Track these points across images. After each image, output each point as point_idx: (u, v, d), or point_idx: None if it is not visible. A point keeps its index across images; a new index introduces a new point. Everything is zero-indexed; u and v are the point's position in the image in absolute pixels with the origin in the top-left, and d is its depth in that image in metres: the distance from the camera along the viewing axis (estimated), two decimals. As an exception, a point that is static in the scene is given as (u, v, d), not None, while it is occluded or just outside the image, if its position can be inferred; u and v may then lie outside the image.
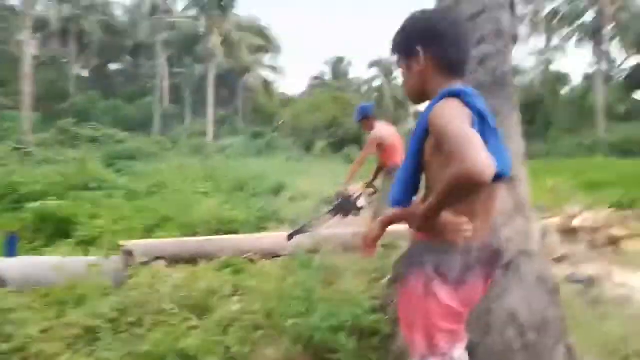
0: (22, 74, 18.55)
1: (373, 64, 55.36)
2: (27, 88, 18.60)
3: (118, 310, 3.04)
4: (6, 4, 36.15)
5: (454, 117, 1.30)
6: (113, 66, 51.28)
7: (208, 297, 3.27)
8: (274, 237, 5.61)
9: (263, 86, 45.69)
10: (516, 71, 50.69)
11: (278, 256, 5.41)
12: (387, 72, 54.49)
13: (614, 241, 6.06)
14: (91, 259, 4.02)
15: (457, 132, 1.24)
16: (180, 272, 4.30)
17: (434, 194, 1.29)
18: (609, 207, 7.35)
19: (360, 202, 5.64)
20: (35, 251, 4.72)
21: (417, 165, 1.46)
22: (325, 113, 34.33)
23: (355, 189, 5.65)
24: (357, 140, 34.33)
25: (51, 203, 5.24)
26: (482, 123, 1.37)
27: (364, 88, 57.55)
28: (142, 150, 18.05)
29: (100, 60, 47.95)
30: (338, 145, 32.60)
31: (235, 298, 3.36)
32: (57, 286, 3.57)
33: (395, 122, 62.24)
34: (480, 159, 1.16)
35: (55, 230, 5.14)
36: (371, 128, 5.62)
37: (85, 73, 49.31)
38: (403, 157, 5.48)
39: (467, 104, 1.36)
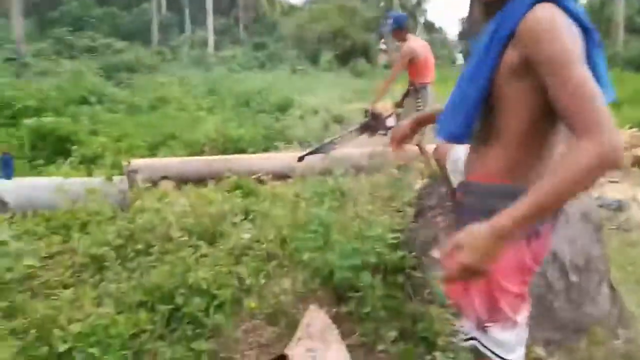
0: (9, -23, 17.31)
1: (382, -30, 51.96)
2: (16, -8, 17.47)
3: (124, 237, 2.88)
4: None
5: (571, 49, 0.95)
6: (106, -30, 48.26)
7: (218, 223, 3.09)
8: (284, 157, 5.39)
9: (265, -7, 43.18)
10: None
11: (289, 177, 5.22)
12: (396, -21, 51.26)
13: (638, 162, 5.82)
14: (93, 180, 3.81)
15: (583, 87, 0.91)
16: (187, 195, 4.14)
17: (547, 183, 0.90)
18: (629, 128, 7.02)
19: (390, 122, 5.34)
20: (34, 170, 4.51)
21: (483, 90, 1.12)
22: (331, 23, 32.66)
23: (385, 107, 5.33)
24: (365, 53, 33.05)
25: (48, 119, 4.93)
26: (586, 40, 1.03)
27: (372, -4, 54.45)
28: (141, 61, 17.33)
29: (92, -38, 44.98)
30: (345, 58, 31.37)
31: (247, 224, 3.18)
32: (60, 210, 3.40)
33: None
34: (618, 139, 0.87)
35: (54, 148, 4.90)
36: (404, 40, 5.18)
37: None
38: (433, 76, 5.06)
39: (567, 12, 1.01)
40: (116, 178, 3.86)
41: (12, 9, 17.78)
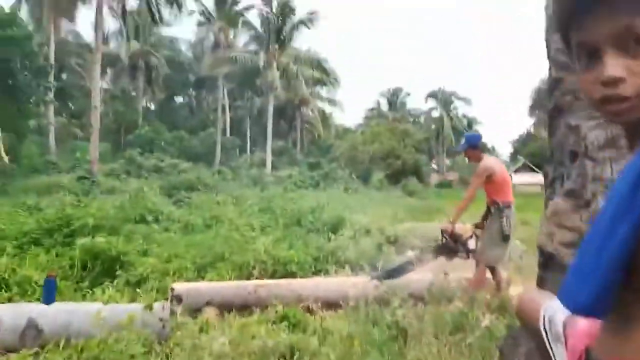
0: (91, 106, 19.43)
1: (431, 95, 54.62)
2: (94, 121, 19.39)
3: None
4: (82, 41, 38.82)
5: None
6: (178, 99, 53.69)
7: (260, 364, 2.74)
8: (335, 283, 5.05)
9: (320, 118, 45.97)
10: (586, 100, 48.37)
11: (339, 305, 4.83)
12: (445, 103, 53.53)
13: None
14: (133, 306, 3.61)
15: None
16: (230, 326, 3.83)
17: None
18: None
19: (472, 244, 5.01)
20: (79, 292, 4.40)
21: (627, 246, 0.77)
22: (382, 144, 33.78)
23: (464, 229, 5.05)
24: (416, 172, 33.45)
25: (100, 239, 4.95)
26: None
27: (422, 119, 56.72)
28: (201, 180, 18.16)
29: (166, 93, 50.29)
30: (396, 177, 31.81)
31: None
32: (94, 339, 3.17)
33: (455, 153, 60.65)
34: None
35: (104, 269, 4.83)
36: (478, 159, 5.04)
37: (152, 106, 51.87)
38: (512, 196, 4.74)
39: None
40: (158, 305, 3.64)
41: (92, 133, 19.68)
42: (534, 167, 40.48)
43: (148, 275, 4.87)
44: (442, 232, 5.25)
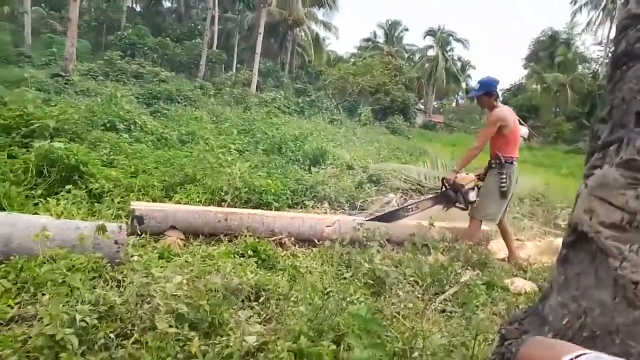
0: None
1: (429, 33, 52.73)
2: (73, 14, 17.93)
3: (98, 313, 2.24)
4: None
5: None
6: (165, 3, 50.63)
7: (219, 307, 2.42)
8: (311, 220, 4.75)
9: (313, 42, 44.16)
10: (582, 59, 47.61)
11: (313, 242, 4.56)
12: (442, 43, 51.82)
13: None
14: (86, 224, 3.23)
15: None
16: (193, 255, 3.52)
17: None
18: None
19: (472, 196, 4.73)
20: (31, 200, 3.98)
21: None
22: (374, 78, 32.78)
23: (467, 179, 4.74)
24: (403, 111, 32.86)
25: (59, 144, 4.45)
26: None
27: (417, 56, 55.09)
28: (182, 93, 17.31)
29: (154, -5, 47.30)
30: (383, 113, 31.24)
31: (255, 316, 2.50)
32: (37, 258, 2.81)
33: (444, 95, 59.92)
34: None
35: (62, 178, 4.39)
36: (492, 107, 4.62)
37: (137, 7, 48.88)
38: (517, 152, 4.38)
39: None
40: (114, 225, 3.26)
41: (70, 28, 18.26)
42: (519, 119, 40.26)
43: (109, 189, 4.46)
44: (443, 180, 4.96)
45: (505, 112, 4.64)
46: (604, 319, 1.42)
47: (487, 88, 4.64)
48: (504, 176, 4.52)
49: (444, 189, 4.87)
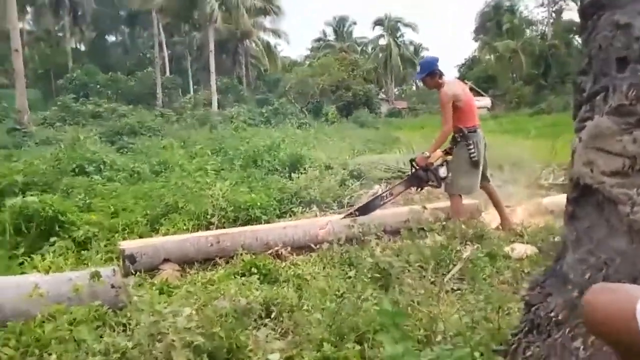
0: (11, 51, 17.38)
1: (377, 23, 53.29)
2: (17, 65, 17.45)
3: (112, 361, 2.15)
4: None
5: None
6: (110, 38, 49.87)
7: (234, 331, 2.36)
8: (302, 225, 4.70)
9: (265, 51, 44.09)
10: (528, 22, 48.88)
11: (310, 248, 4.52)
12: (392, 30, 52.43)
13: None
14: (77, 274, 3.11)
15: None
16: (193, 284, 3.43)
17: None
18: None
19: (443, 172, 4.74)
20: (15, 260, 3.82)
21: None
22: (332, 76, 32.95)
23: (435, 156, 4.74)
24: (366, 103, 33.10)
25: (32, 198, 4.30)
26: None
27: (370, 48, 55.59)
28: (144, 124, 17.03)
29: (96, 32, 46.49)
30: (348, 109, 31.39)
31: (272, 332, 2.45)
32: (35, 318, 2.69)
33: (402, 81, 60.57)
34: None
35: (42, 232, 4.23)
36: (439, 86, 4.65)
37: (82, 46, 47.96)
38: (477, 119, 4.48)
39: None
40: (107, 270, 3.15)
41: (17, 80, 17.78)
42: (479, 91, 41.07)
43: (93, 234, 4.32)
44: (412, 161, 4.97)
45: (453, 86, 4.70)
46: (626, 267, 1.43)
47: (429, 68, 4.71)
48: (471, 146, 4.57)
49: (413, 170, 4.88)
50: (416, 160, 4.84)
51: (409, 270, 3.45)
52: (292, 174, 7.33)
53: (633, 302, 0.72)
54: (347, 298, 2.60)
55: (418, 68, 4.89)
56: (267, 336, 2.31)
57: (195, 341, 2.18)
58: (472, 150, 4.63)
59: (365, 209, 4.83)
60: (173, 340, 2.15)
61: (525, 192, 6.56)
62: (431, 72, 4.70)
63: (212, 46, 29.44)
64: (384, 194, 4.92)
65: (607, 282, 0.95)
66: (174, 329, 2.19)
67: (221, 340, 2.30)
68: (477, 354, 1.69)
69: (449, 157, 4.80)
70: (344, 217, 4.75)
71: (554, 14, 45.51)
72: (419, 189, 5.01)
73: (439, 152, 4.79)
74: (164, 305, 2.67)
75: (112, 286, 3.12)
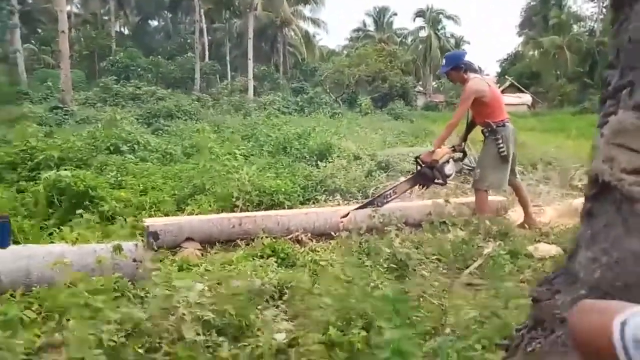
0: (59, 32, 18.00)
1: (418, 14, 52.36)
2: (63, 47, 18.05)
3: (125, 331, 2.23)
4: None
5: None
6: (152, 23, 50.88)
7: (245, 310, 2.40)
8: (325, 213, 4.72)
9: (304, 40, 44.09)
10: (576, 18, 46.99)
11: (330, 235, 4.53)
12: (433, 22, 51.43)
13: None
14: (102, 247, 3.22)
15: None
16: (212, 264, 3.50)
17: None
18: None
19: (448, 169, 4.66)
20: (45, 231, 3.99)
21: None
22: (369, 66, 32.64)
23: (440, 153, 4.66)
24: (403, 95, 32.68)
25: (65, 172, 4.47)
26: None
27: (409, 39, 54.76)
28: (181, 108, 17.36)
29: (140, 16, 47.53)
30: (383, 100, 31.10)
31: (281, 313, 2.48)
32: (57, 286, 2.81)
33: (442, 76, 59.72)
34: None
35: (72, 205, 4.40)
36: (463, 80, 4.56)
37: (125, 30, 49.17)
38: (506, 114, 4.39)
39: None
40: (130, 244, 3.26)
41: (62, 60, 18.41)
42: (521, 87, 39.91)
43: (121, 210, 4.46)
44: (417, 159, 4.88)
45: (478, 82, 4.57)
46: (636, 268, 1.37)
47: (454, 62, 4.60)
48: (500, 141, 4.46)
49: (419, 168, 4.77)
50: (421, 157, 4.75)
51: (425, 263, 3.41)
52: (320, 162, 7.33)
53: (609, 324, 0.68)
54: (357, 285, 2.60)
55: (443, 61, 4.78)
56: (276, 316, 2.34)
57: (205, 316, 2.23)
58: (501, 145, 4.52)
59: (368, 206, 4.79)
60: (183, 314, 2.20)
61: (557, 192, 6.37)
62: (456, 66, 4.61)
63: (251, 33, 29.66)
64: (388, 192, 4.85)
65: (595, 300, 0.89)
66: (186, 303, 2.24)
67: (231, 317, 2.35)
68: (478, 347, 1.66)
69: (456, 154, 4.71)
70: (345, 215, 4.73)
71: (604, 10, 43.58)
72: (425, 187, 4.92)
73: (445, 149, 4.70)
74: (181, 281, 2.74)
75: (134, 260, 3.24)
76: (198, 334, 2.17)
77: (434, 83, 54.68)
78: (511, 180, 4.77)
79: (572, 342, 0.82)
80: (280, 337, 2.08)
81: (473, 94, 4.45)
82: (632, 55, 1.46)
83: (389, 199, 4.85)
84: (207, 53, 38.67)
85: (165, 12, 49.20)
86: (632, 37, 1.47)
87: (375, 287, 2.68)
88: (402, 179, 6.66)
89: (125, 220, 4.29)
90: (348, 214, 4.70)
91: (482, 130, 4.69)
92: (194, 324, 2.21)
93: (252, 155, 8.08)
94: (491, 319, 2.17)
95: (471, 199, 5.01)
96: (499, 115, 4.59)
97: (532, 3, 48.39)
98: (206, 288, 2.39)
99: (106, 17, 43.92)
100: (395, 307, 1.47)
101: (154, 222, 4.03)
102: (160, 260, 3.64)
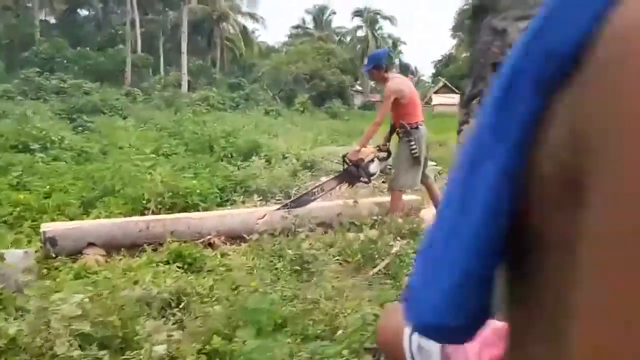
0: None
1: (357, 14, 53.07)
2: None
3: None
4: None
5: None
6: (82, 12, 48.24)
7: (133, 321, 2.31)
8: (239, 215, 4.65)
9: (242, 35, 43.48)
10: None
11: (244, 238, 4.48)
12: (371, 22, 52.32)
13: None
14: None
15: None
16: (113, 270, 3.36)
17: None
18: None
19: (373, 168, 4.73)
20: None
21: (501, 212, 0.37)
22: (307, 64, 32.72)
23: (365, 152, 4.72)
24: (340, 94, 33.04)
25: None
26: None
27: (348, 38, 55.40)
28: (107, 103, 16.58)
29: (68, 5, 44.90)
30: (320, 99, 31.28)
31: (170, 324, 2.40)
32: None
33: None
34: None
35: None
36: (384, 80, 4.64)
37: (51, 19, 46.30)
38: (421, 116, 4.50)
39: None
40: (18, 252, 3.06)
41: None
42: (453, 88, 41.50)
43: (18, 214, 4.18)
44: (344, 157, 4.97)
45: (398, 82, 4.71)
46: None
47: (375, 61, 4.71)
48: (412, 142, 4.60)
49: (345, 166, 4.87)
50: (348, 156, 4.83)
51: (331, 265, 3.45)
52: (244, 162, 7.25)
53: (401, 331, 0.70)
54: (258, 290, 2.58)
55: (365, 60, 4.87)
56: (162, 326, 2.27)
57: (83, 329, 2.12)
58: (414, 147, 4.65)
59: (295, 205, 4.80)
60: (57, 328, 2.09)
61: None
62: (377, 65, 4.70)
63: (185, 26, 28.87)
64: (315, 190, 4.89)
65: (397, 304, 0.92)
66: (61, 316, 2.12)
67: (115, 329, 2.25)
68: (346, 352, 1.69)
69: (381, 154, 4.82)
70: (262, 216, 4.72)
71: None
72: (351, 185, 5.01)
73: (370, 148, 4.80)
74: (62, 293, 2.60)
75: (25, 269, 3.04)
76: (75, 349, 2.07)
77: (372, 83, 55.70)
78: (424, 181, 4.93)
79: (376, 340, 0.84)
80: (161, 349, 2.01)
81: (393, 94, 4.56)
82: (482, 66, 1.54)
83: (317, 197, 4.89)
84: (139, 45, 37.18)
85: (95, 1, 46.83)
86: (481, 48, 1.55)
87: (274, 292, 2.68)
88: (324, 178, 6.73)
89: (21, 225, 4.02)
90: (265, 215, 4.67)
91: (396, 132, 4.81)
92: (71, 338, 2.10)
93: (175, 154, 7.85)
94: (377, 320, 2.23)
95: (387, 198, 5.13)
96: (414, 117, 4.72)
97: (464, 7, 50.37)
98: (87, 299, 2.28)
99: (29, 4, 41.16)
100: (256, 318, 1.47)
101: (52, 227, 3.81)
102: (56, 268, 3.45)
